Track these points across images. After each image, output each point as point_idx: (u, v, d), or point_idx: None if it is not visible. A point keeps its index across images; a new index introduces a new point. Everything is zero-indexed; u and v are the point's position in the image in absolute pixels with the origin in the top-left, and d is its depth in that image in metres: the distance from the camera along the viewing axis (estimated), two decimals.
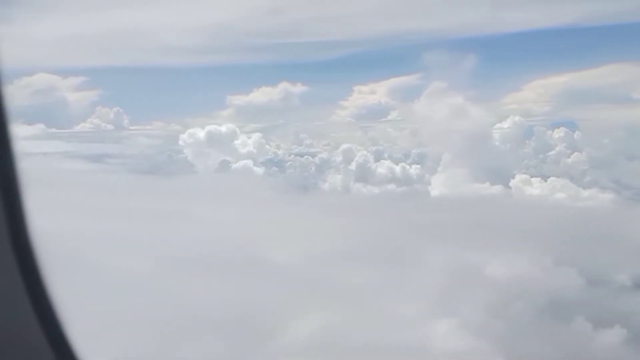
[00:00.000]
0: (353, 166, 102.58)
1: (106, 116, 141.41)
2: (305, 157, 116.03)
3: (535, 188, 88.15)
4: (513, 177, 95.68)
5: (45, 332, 3.06)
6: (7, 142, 2.97)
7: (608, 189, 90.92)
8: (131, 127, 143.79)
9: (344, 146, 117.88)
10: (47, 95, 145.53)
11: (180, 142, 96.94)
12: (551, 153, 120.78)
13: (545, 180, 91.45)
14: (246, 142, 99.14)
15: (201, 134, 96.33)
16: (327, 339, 30.30)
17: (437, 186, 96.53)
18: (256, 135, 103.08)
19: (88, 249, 39.39)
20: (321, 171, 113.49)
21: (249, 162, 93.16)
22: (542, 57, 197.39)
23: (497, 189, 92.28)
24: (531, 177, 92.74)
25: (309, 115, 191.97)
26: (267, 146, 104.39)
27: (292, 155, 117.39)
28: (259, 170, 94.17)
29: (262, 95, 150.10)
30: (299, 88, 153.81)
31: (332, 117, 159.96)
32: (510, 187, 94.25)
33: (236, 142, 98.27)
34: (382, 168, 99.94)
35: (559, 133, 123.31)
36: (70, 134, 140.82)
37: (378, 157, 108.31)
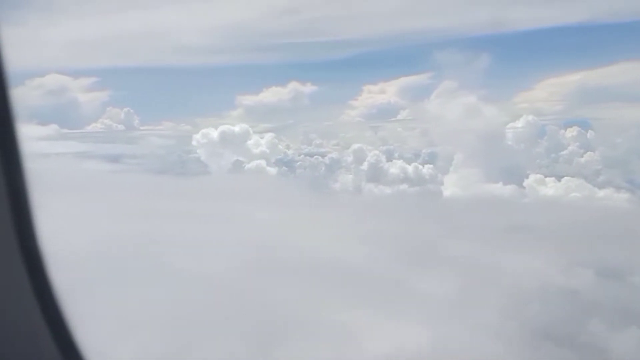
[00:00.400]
0: (365, 166, 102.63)
1: (117, 116, 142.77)
2: (315, 157, 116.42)
3: (550, 188, 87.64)
4: (527, 177, 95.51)
5: (53, 335, 3.07)
6: (14, 143, 2.94)
7: (622, 189, 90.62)
8: (142, 128, 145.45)
9: (355, 146, 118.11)
10: (58, 95, 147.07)
11: (194, 142, 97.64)
12: (564, 152, 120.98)
13: (560, 180, 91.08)
14: (259, 142, 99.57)
15: (214, 134, 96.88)
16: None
17: (450, 186, 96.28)
18: (269, 135, 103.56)
19: (137, 250, 40.12)
20: (331, 171, 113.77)
21: (262, 162, 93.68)
22: (554, 56, 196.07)
23: (511, 188, 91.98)
24: (545, 176, 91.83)
25: (318, 115, 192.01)
26: (280, 146, 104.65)
27: (302, 155, 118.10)
28: (273, 171, 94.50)
29: (271, 95, 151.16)
30: (308, 88, 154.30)
31: (341, 116, 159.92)
32: (524, 187, 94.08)
33: (249, 142, 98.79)
34: (395, 168, 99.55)
35: (571, 132, 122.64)
36: (83, 134, 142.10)
37: (389, 157, 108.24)
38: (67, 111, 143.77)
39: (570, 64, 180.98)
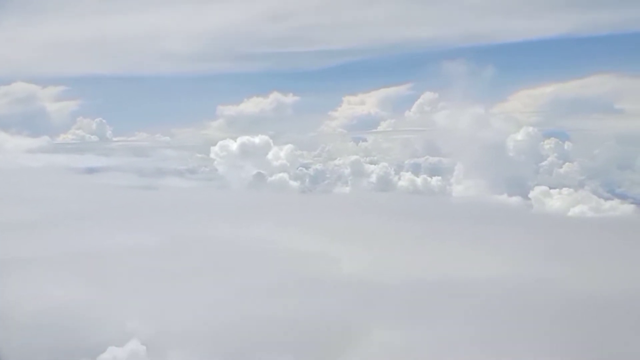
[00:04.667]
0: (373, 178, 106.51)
1: (88, 127, 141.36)
2: (299, 168, 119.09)
3: (555, 200, 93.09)
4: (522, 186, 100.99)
5: None
6: None
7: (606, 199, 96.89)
8: (115, 139, 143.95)
9: (352, 158, 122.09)
10: (26, 104, 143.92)
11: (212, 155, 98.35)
12: (544, 163, 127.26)
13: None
14: (278, 155, 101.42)
15: (233, 145, 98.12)
16: None
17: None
18: (288, 147, 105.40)
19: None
20: (316, 182, 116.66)
21: (285, 175, 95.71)
22: (528, 68, 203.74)
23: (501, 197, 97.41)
24: (550, 188, 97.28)
25: (299, 126, 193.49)
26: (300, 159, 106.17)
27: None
28: (295, 184, 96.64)
29: (253, 105, 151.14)
30: (290, 98, 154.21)
31: (322, 127, 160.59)
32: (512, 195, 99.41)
33: (269, 154, 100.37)
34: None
35: (549, 143, 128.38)
36: (56, 145, 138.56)
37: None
38: (35, 120, 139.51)
39: (544, 76, 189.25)
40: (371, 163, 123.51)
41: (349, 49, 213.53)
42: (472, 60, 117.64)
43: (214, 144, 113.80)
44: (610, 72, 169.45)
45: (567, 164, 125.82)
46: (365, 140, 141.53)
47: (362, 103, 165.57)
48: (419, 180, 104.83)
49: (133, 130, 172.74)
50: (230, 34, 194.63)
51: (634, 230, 73.89)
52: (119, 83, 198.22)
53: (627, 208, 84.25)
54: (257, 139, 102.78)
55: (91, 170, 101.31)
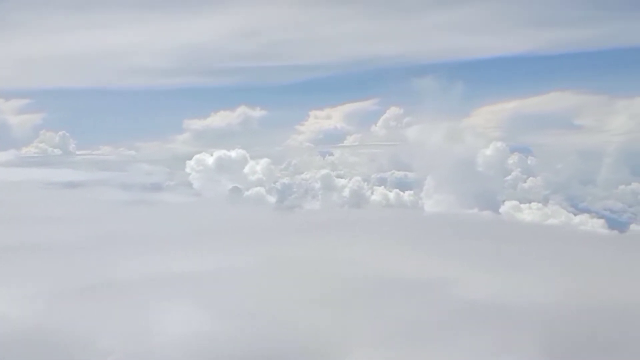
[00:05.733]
0: (346, 192, 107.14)
1: (51, 140, 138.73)
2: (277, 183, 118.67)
3: (526, 214, 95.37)
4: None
5: None
6: None
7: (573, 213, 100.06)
8: (78, 152, 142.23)
9: (323, 172, 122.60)
10: None
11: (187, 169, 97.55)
12: (508, 178, 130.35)
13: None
14: (255, 169, 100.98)
15: (209, 159, 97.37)
16: None
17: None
18: (264, 161, 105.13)
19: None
20: (284, 197, 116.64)
21: (261, 190, 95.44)
22: (490, 85, 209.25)
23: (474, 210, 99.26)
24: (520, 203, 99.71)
25: (267, 140, 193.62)
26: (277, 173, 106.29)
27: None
28: (272, 198, 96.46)
29: (220, 119, 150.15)
30: (257, 112, 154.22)
31: (288, 141, 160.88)
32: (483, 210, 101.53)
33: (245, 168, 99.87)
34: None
35: (513, 158, 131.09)
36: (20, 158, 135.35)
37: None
38: None
39: (504, 93, 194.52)
40: (338, 177, 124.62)
41: (315, 64, 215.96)
42: (436, 77, 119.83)
43: (181, 158, 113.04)
44: (569, 90, 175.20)
45: (530, 178, 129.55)
46: (331, 154, 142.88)
47: (329, 117, 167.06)
48: (391, 195, 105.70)
49: (97, 144, 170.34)
50: (198, 49, 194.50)
51: (606, 244, 75.78)
52: (84, 96, 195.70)
53: (596, 222, 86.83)
54: (233, 153, 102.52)
55: (72, 185, 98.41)
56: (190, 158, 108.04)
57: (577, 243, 67.08)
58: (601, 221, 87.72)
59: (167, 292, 39.00)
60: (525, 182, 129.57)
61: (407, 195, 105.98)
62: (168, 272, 43.55)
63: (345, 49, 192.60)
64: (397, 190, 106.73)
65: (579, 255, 57.67)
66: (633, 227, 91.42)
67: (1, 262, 44.91)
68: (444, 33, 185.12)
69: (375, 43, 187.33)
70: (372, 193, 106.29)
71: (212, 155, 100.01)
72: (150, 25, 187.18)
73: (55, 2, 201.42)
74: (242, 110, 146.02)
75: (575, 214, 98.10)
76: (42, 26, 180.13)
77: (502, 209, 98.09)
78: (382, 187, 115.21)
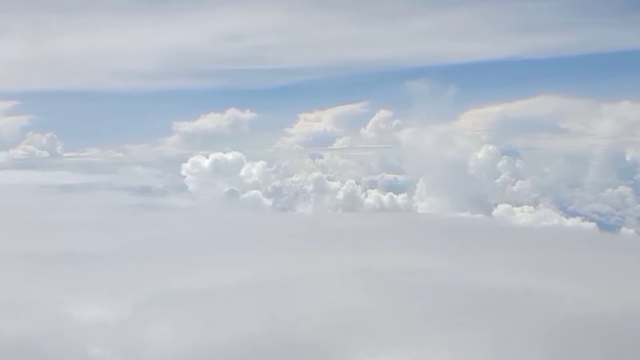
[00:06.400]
0: (340, 195, 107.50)
1: (39, 142, 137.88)
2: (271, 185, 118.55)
3: (519, 217, 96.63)
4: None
5: None
6: None
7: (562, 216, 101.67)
8: (65, 154, 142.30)
9: (315, 174, 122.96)
10: None
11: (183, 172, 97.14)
12: (497, 181, 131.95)
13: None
14: (251, 171, 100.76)
15: (205, 162, 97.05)
16: None
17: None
18: (260, 164, 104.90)
19: None
20: (276, 200, 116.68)
21: (258, 193, 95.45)
22: (478, 88, 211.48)
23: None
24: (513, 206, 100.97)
25: (256, 142, 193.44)
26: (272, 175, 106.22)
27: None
28: (268, 201, 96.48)
29: (209, 121, 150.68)
30: (247, 114, 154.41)
31: (278, 143, 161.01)
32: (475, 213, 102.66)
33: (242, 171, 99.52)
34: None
35: (502, 161, 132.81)
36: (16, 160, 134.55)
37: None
38: None
39: (491, 96, 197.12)
40: (329, 179, 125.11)
41: (304, 67, 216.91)
42: (425, 80, 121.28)
43: (171, 161, 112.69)
44: (554, 93, 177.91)
45: (519, 181, 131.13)
46: (321, 157, 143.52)
47: (318, 120, 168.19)
48: (385, 198, 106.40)
49: (84, 146, 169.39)
50: (187, 52, 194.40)
51: (603, 246, 76.77)
52: (71, 99, 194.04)
53: (589, 226, 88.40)
54: (229, 156, 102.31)
55: (68, 188, 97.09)
56: (182, 160, 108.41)
57: (577, 245, 67.96)
58: (593, 224, 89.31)
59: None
60: (514, 185, 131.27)
61: (400, 199, 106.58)
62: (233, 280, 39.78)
63: (334, 53, 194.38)
64: (391, 193, 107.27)
65: (579, 256, 58.60)
66: (624, 230, 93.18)
67: (70, 272, 41.72)
68: (431, 37, 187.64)
69: (364, 47, 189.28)
70: (366, 196, 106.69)
71: (207, 157, 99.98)
72: (138, 28, 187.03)
73: (44, 5, 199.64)
74: (231, 112, 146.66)
75: (566, 217, 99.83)
76: (30, 28, 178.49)
77: (495, 212, 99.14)
78: (374, 190, 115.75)
